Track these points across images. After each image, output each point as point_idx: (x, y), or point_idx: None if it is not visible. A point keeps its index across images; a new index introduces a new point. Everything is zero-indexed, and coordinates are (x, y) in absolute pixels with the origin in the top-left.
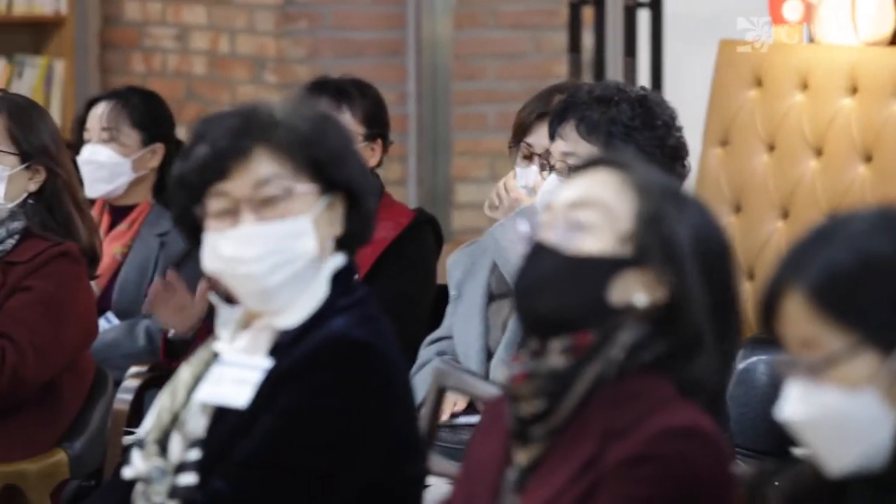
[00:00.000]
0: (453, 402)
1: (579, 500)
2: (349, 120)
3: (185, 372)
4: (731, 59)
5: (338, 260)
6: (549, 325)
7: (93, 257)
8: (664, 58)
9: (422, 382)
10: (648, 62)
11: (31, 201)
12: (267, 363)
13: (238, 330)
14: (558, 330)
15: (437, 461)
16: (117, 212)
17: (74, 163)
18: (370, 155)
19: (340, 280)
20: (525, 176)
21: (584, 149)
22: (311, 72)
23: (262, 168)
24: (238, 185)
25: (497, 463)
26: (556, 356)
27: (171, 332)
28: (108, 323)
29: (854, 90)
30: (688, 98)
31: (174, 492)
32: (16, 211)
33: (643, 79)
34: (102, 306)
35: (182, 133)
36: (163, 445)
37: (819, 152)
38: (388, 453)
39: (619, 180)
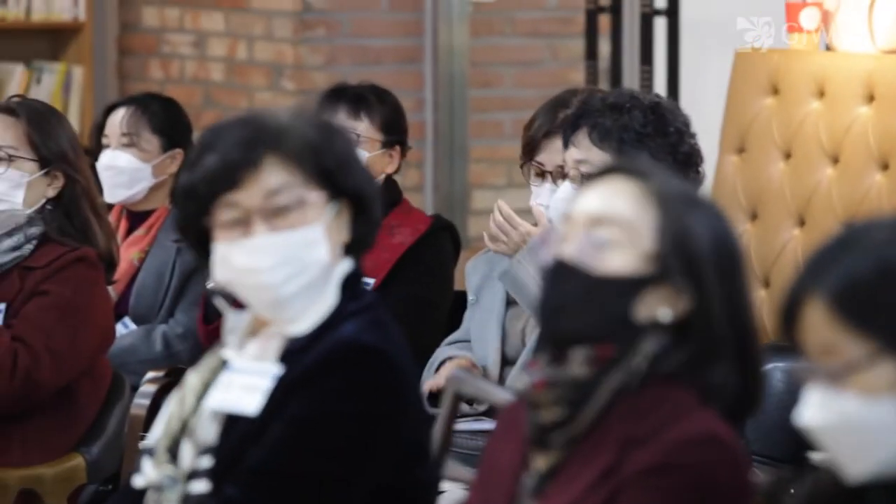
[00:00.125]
0: None
1: None
2: (367, 127)
3: (193, 378)
4: (748, 67)
5: (345, 266)
6: (573, 341)
7: (110, 262)
8: (681, 65)
9: (429, 370)
10: (665, 69)
11: (49, 207)
12: (277, 370)
13: (246, 336)
14: (581, 343)
15: (452, 467)
16: (135, 217)
17: (92, 168)
18: (388, 161)
19: (348, 286)
20: (540, 194)
21: (597, 156)
22: (328, 79)
23: (273, 178)
24: (249, 195)
25: (514, 469)
26: (577, 365)
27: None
28: (125, 328)
29: (871, 98)
30: (704, 105)
31: (186, 500)
32: (34, 216)
33: (659, 86)
34: (119, 311)
35: None
36: (173, 453)
37: (835, 160)
38: (400, 457)
39: (638, 191)
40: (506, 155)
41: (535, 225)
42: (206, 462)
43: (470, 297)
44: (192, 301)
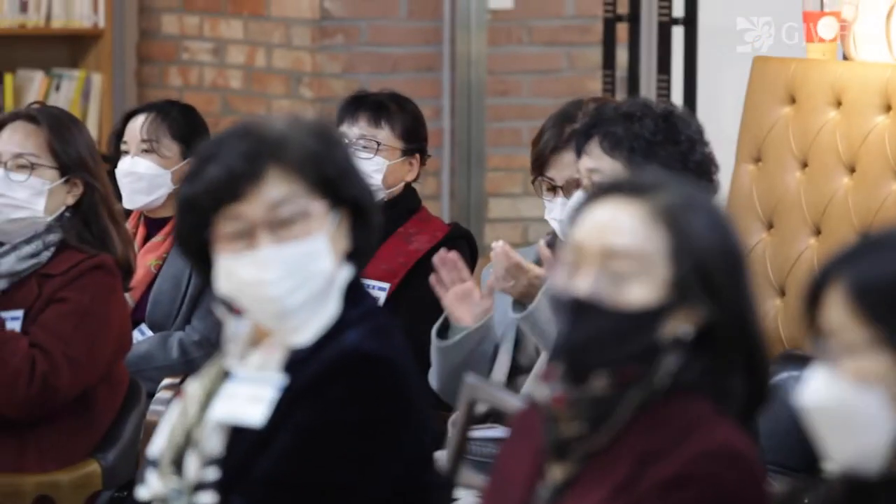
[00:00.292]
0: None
1: None
2: (388, 135)
3: (194, 388)
4: (765, 76)
5: (345, 273)
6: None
7: (127, 270)
8: (698, 74)
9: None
10: (682, 78)
11: (67, 214)
12: (281, 380)
13: (247, 346)
14: (604, 368)
15: (466, 473)
16: (152, 224)
17: (111, 175)
18: (408, 170)
19: (349, 292)
20: (553, 208)
21: (608, 164)
22: (346, 86)
23: (276, 189)
24: (252, 207)
25: (528, 478)
26: (597, 383)
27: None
28: (141, 335)
29: (888, 108)
30: (721, 114)
31: None
32: (52, 224)
33: (676, 95)
34: (136, 318)
35: None
36: (177, 464)
37: (852, 169)
38: (405, 463)
39: (642, 212)
40: (523, 163)
41: (540, 264)
42: (212, 474)
43: None
44: (209, 308)
